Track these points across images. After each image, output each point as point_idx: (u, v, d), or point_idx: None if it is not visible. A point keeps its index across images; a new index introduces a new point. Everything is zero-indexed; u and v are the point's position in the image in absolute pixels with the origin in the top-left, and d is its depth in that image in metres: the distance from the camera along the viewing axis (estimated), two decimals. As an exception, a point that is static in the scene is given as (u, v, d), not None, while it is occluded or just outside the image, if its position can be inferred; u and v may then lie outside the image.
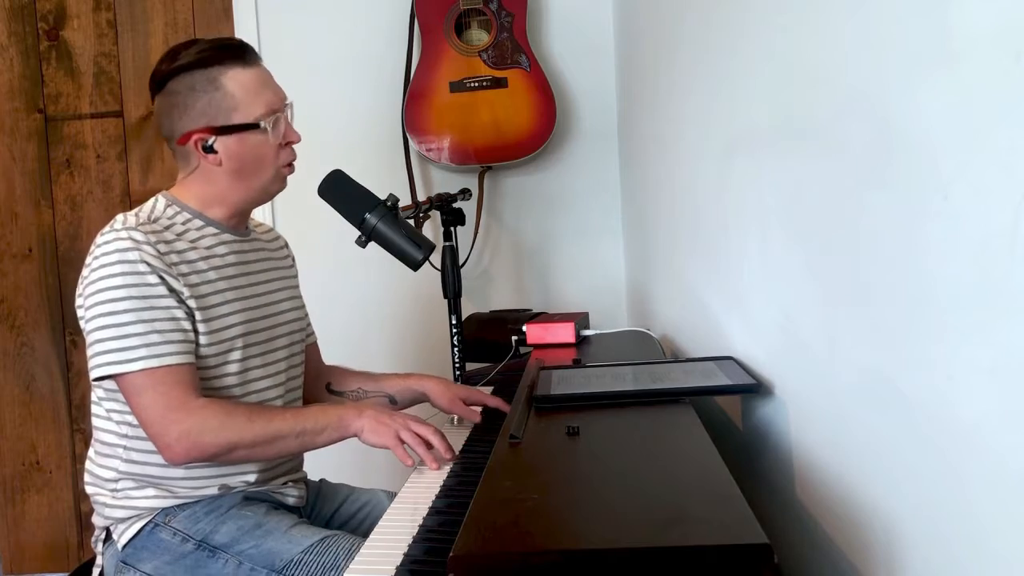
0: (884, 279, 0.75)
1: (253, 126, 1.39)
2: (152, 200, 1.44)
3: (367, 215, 1.52)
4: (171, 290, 1.32)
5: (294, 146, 1.46)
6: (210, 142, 1.38)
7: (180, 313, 1.32)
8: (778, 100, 1.03)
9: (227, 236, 1.45)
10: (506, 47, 2.53)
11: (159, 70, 1.40)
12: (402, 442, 1.33)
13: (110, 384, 1.34)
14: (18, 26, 2.78)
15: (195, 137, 1.38)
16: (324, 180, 1.56)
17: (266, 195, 1.47)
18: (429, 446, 1.34)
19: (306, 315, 1.65)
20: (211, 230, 1.43)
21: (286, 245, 1.66)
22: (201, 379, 1.35)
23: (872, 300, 0.78)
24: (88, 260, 1.33)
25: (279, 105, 1.42)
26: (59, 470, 2.84)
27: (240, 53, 1.40)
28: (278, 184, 1.46)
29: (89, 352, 1.31)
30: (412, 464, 1.34)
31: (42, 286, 2.81)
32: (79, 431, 2.83)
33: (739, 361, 1.23)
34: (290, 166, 1.46)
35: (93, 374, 1.31)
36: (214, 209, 1.44)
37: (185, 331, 1.33)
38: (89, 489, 1.42)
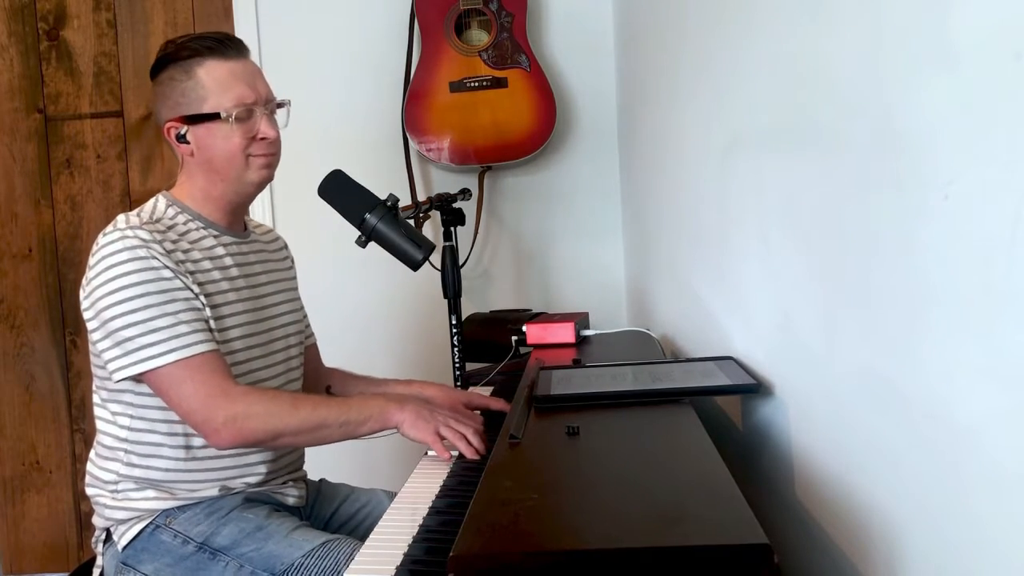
0: (884, 279, 0.75)
1: (216, 116, 1.38)
2: (152, 200, 1.44)
3: (367, 215, 1.52)
4: (185, 285, 1.32)
5: (279, 143, 1.44)
6: (183, 131, 1.40)
7: (199, 304, 1.33)
8: (778, 100, 1.03)
9: (226, 238, 1.46)
10: (506, 47, 2.53)
11: (154, 62, 1.43)
12: (441, 437, 1.33)
13: (115, 385, 1.34)
14: (18, 26, 2.78)
15: (169, 126, 1.40)
16: (324, 180, 1.56)
17: (247, 186, 1.43)
18: (468, 442, 1.33)
19: (305, 317, 1.65)
20: (211, 231, 1.44)
21: (285, 246, 1.66)
22: None
23: (872, 300, 0.78)
24: (92, 261, 1.33)
25: (252, 99, 1.39)
26: (59, 470, 2.84)
27: (218, 46, 1.39)
28: (256, 174, 1.42)
29: (113, 352, 1.30)
30: (449, 458, 1.33)
31: (42, 286, 2.81)
32: (79, 431, 2.83)
33: (739, 361, 1.23)
34: (265, 157, 1.42)
35: (125, 373, 1.30)
36: (209, 208, 1.44)
37: (207, 320, 1.34)
38: (89, 490, 1.42)
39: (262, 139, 1.41)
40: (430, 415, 1.35)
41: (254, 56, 2.63)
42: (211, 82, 1.38)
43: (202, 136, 1.39)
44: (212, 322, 1.35)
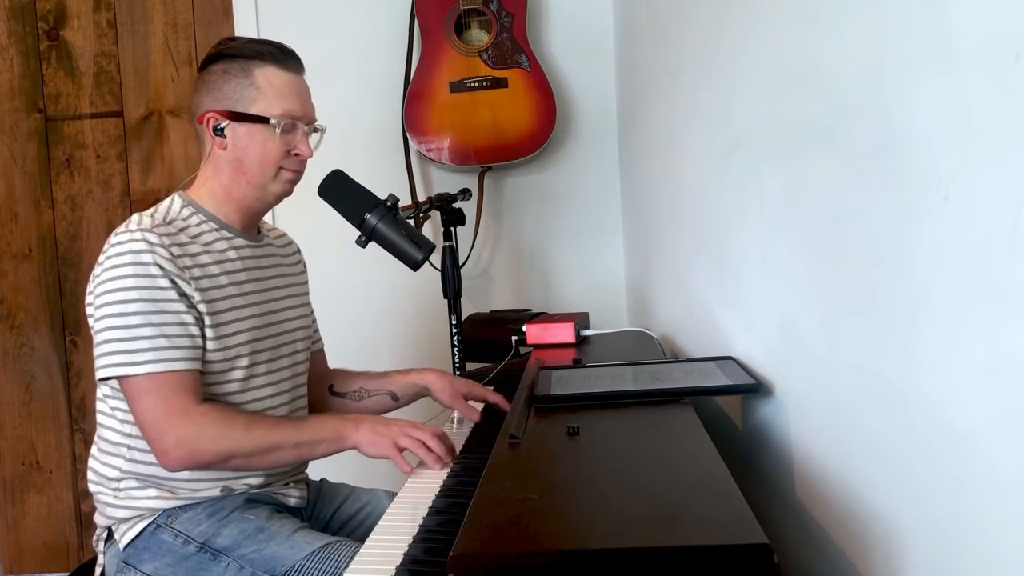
0: (884, 279, 0.75)
1: (263, 120, 1.40)
2: (168, 200, 1.44)
3: (367, 215, 1.52)
4: (182, 294, 1.32)
5: (307, 163, 1.46)
6: (222, 125, 1.40)
7: (189, 318, 1.32)
8: (779, 100, 1.03)
9: (239, 241, 1.46)
10: (506, 47, 2.53)
11: (208, 53, 1.44)
12: (401, 449, 1.34)
13: (116, 383, 1.34)
14: (18, 26, 2.78)
15: (209, 115, 1.40)
16: (324, 180, 1.56)
17: (267, 196, 1.46)
18: (429, 449, 1.35)
19: (314, 322, 1.65)
20: (225, 234, 1.44)
21: (298, 251, 1.66)
22: (205, 384, 1.35)
23: (872, 300, 0.78)
24: (100, 259, 1.34)
25: (300, 115, 1.43)
26: (59, 470, 2.84)
27: (281, 55, 1.42)
28: (278, 187, 1.45)
29: (96, 352, 1.32)
30: (410, 470, 1.34)
31: (42, 286, 2.81)
32: (79, 431, 2.84)
33: (739, 361, 1.23)
34: (294, 173, 1.45)
35: (99, 374, 1.31)
36: (226, 210, 1.44)
37: (193, 336, 1.33)
38: (92, 488, 1.42)
39: (296, 155, 1.44)
40: (385, 429, 1.35)
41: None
42: (267, 86, 1.40)
43: (242, 135, 1.40)
44: (211, 330, 1.35)
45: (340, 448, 1.36)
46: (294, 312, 1.55)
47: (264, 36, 2.69)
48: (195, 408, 1.30)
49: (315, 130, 1.49)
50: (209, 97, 1.41)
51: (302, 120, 1.44)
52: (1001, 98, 0.56)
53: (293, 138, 1.43)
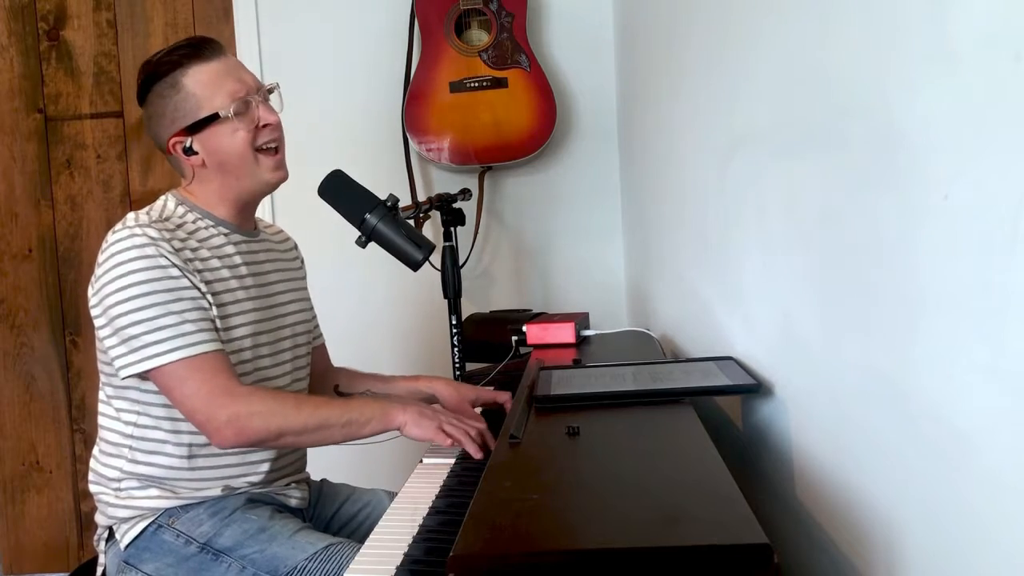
0: (884, 279, 0.75)
1: (214, 117, 1.38)
2: (162, 199, 1.44)
3: (367, 215, 1.52)
4: (192, 283, 1.32)
5: (282, 130, 1.44)
6: (188, 143, 1.39)
7: (205, 303, 1.33)
8: (779, 100, 1.03)
9: (236, 236, 1.46)
10: (506, 47, 2.53)
11: (138, 82, 1.42)
12: (445, 433, 1.33)
13: (120, 382, 1.34)
14: (18, 26, 2.78)
15: (172, 142, 1.40)
16: (324, 180, 1.56)
17: (264, 184, 1.44)
18: (471, 438, 1.34)
19: (313, 317, 1.65)
20: (221, 230, 1.44)
21: (295, 247, 1.66)
22: None
23: (872, 300, 0.78)
24: (101, 259, 1.33)
25: (244, 91, 1.40)
26: (59, 470, 2.84)
27: (196, 51, 1.39)
28: (271, 173, 1.43)
29: (120, 350, 1.30)
30: (451, 444, 1.33)
31: (42, 286, 2.81)
32: (79, 431, 2.84)
33: (739, 361, 1.23)
34: (275, 151, 1.43)
35: (131, 370, 1.30)
36: (220, 208, 1.44)
37: (212, 320, 1.34)
38: (93, 488, 1.43)
39: (265, 126, 1.42)
40: (432, 414, 1.36)
41: (254, 56, 2.64)
42: (199, 87, 1.38)
43: (208, 141, 1.39)
44: (218, 321, 1.35)
45: (386, 428, 1.36)
46: (293, 307, 1.55)
47: (264, 36, 2.70)
48: (239, 388, 1.31)
49: (270, 92, 1.45)
50: (161, 126, 1.40)
51: (249, 94, 1.40)
52: (1001, 98, 0.56)
53: (252, 114, 1.40)
